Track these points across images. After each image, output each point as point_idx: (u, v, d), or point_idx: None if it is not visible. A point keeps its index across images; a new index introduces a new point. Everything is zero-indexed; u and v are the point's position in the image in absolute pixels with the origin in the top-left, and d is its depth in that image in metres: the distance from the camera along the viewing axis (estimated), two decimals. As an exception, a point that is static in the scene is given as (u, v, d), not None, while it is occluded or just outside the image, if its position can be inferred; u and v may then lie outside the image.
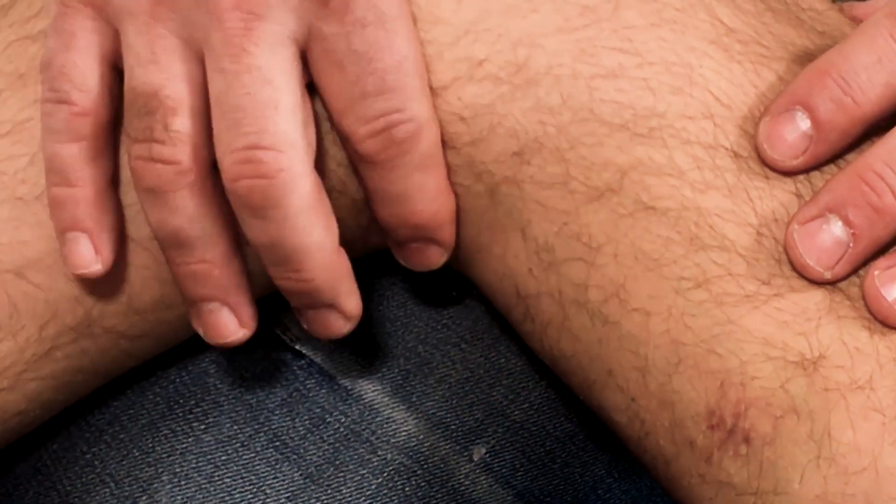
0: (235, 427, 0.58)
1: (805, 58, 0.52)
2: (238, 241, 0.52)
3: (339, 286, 0.52)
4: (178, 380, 0.58)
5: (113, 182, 0.53)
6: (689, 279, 0.49)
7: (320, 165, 0.52)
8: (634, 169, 0.51)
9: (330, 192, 0.53)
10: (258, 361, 0.59)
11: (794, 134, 0.50)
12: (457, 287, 0.60)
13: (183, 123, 0.50)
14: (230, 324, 0.53)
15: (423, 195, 0.52)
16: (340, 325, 0.53)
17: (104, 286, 0.54)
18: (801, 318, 0.48)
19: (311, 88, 0.52)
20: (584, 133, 0.51)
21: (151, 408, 0.58)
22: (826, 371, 0.47)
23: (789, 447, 0.47)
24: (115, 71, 0.52)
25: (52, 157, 0.51)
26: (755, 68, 0.52)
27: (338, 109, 0.51)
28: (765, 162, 0.50)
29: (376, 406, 0.59)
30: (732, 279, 0.49)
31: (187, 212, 0.50)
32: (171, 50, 0.50)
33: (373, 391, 0.59)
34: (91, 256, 0.52)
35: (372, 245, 0.57)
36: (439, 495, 0.58)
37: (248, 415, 0.58)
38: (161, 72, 0.50)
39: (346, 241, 0.54)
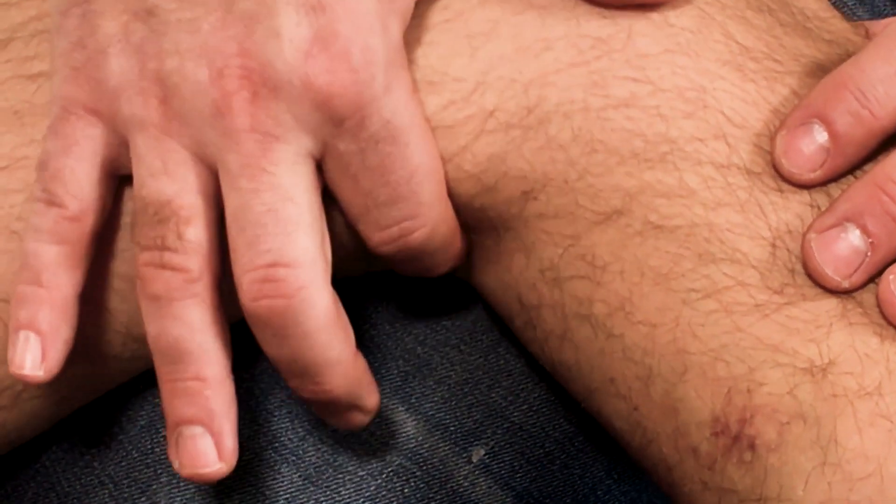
0: (234, 428, 0.58)
1: (816, 68, 0.52)
2: (231, 367, 0.52)
3: (359, 390, 0.52)
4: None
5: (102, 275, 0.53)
6: (698, 290, 0.49)
7: (329, 224, 0.52)
8: (643, 192, 0.51)
9: (334, 248, 0.53)
10: (257, 364, 0.59)
11: (811, 147, 0.50)
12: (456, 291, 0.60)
13: (196, 234, 0.49)
14: (209, 454, 0.51)
15: (442, 266, 0.54)
16: (360, 420, 0.53)
17: (102, 316, 0.54)
18: (812, 325, 0.48)
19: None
20: (593, 163, 0.51)
21: (150, 409, 0.58)
22: (834, 377, 0.47)
23: (794, 453, 0.47)
24: (111, 181, 0.52)
25: (30, 254, 0.51)
26: (769, 85, 0.51)
27: (353, 214, 0.52)
28: (782, 175, 0.50)
29: (375, 407, 0.59)
30: (743, 289, 0.49)
31: (190, 323, 0.50)
32: (182, 163, 0.50)
33: (372, 392, 0.59)
34: (36, 362, 0.50)
35: (373, 270, 0.58)
36: (438, 497, 0.58)
37: (246, 416, 0.58)
38: (174, 183, 0.50)
39: (344, 269, 0.55)
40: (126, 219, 0.53)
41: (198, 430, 0.50)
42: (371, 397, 0.53)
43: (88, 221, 0.51)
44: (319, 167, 0.51)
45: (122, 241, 0.53)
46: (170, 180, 0.50)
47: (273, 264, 0.48)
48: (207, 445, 0.50)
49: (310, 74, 0.48)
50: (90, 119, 0.51)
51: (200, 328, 0.50)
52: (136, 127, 0.50)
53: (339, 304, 0.51)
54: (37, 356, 0.50)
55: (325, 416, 0.53)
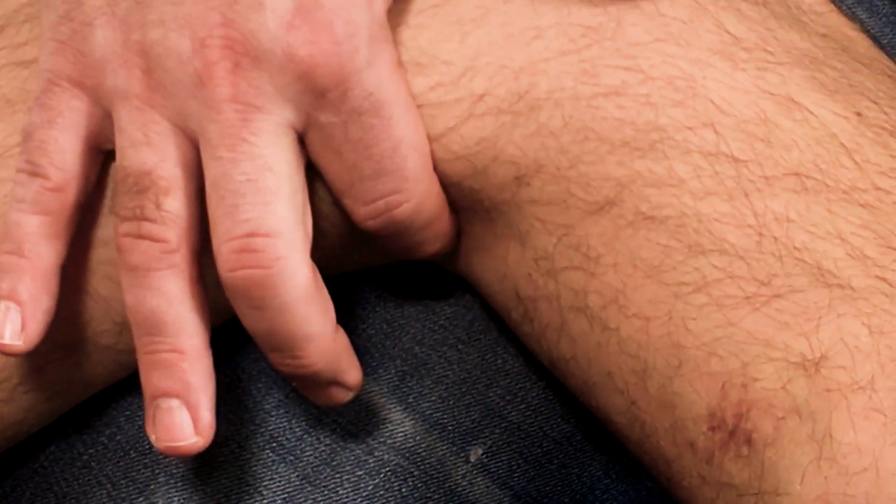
0: (232, 428, 0.58)
1: (809, 60, 0.52)
2: (209, 340, 0.51)
3: (339, 365, 0.52)
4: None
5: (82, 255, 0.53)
6: (688, 284, 0.49)
7: (314, 203, 0.53)
8: (634, 182, 0.51)
9: (320, 233, 0.53)
10: (255, 362, 0.59)
11: None
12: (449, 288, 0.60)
13: (175, 204, 0.50)
14: (185, 427, 0.50)
15: (430, 244, 0.54)
16: (342, 396, 0.53)
17: (97, 306, 0.54)
18: (802, 318, 0.48)
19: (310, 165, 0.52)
20: (584, 151, 0.51)
21: (148, 409, 0.58)
22: (827, 371, 0.47)
23: (791, 448, 0.47)
24: (96, 154, 0.52)
25: (12, 224, 0.51)
26: (760, 74, 0.52)
27: (338, 189, 0.52)
28: None
29: (373, 407, 0.59)
30: (733, 282, 0.49)
31: (167, 293, 0.50)
32: (164, 134, 0.50)
33: (369, 392, 0.59)
34: (16, 332, 0.50)
35: (368, 265, 0.58)
36: (436, 496, 0.58)
37: (244, 416, 0.58)
38: (155, 154, 0.50)
39: (338, 261, 0.55)
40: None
41: (174, 402, 0.50)
42: (352, 373, 0.53)
43: (71, 192, 0.51)
44: (303, 142, 0.51)
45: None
46: (151, 151, 0.50)
47: (251, 234, 0.49)
48: (184, 418, 0.50)
49: (292, 45, 0.48)
50: (75, 91, 0.51)
51: (178, 299, 0.50)
52: (119, 98, 0.50)
53: (319, 278, 0.51)
54: (17, 326, 0.50)
55: (305, 391, 0.53)
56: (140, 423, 0.58)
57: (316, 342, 0.50)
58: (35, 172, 0.51)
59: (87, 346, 0.54)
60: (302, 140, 0.51)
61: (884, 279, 0.48)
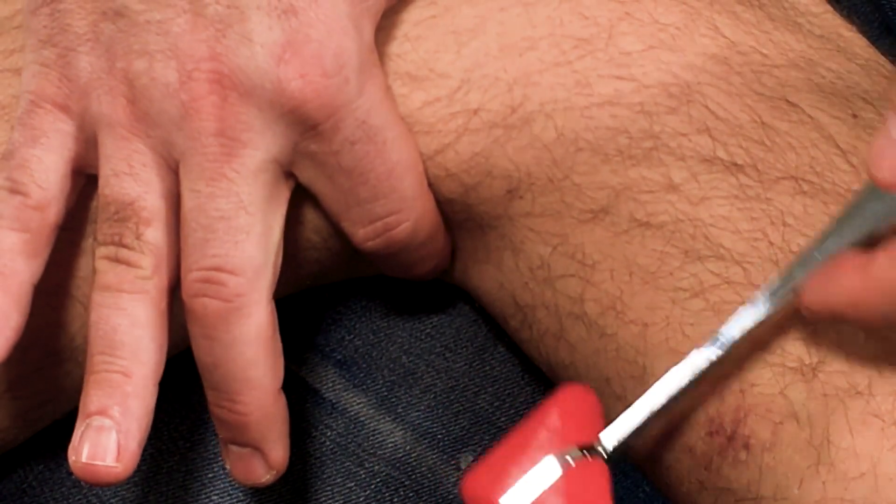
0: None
1: (804, 62, 0.52)
2: (159, 378, 0.50)
3: (270, 430, 0.51)
4: (161, 399, 0.57)
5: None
6: (685, 289, 0.49)
7: (306, 217, 0.53)
8: (629, 189, 0.51)
9: (312, 246, 0.54)
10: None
11: None
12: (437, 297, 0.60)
13: (154, 235, 0.50)
14: (110, 450, 0.49)
15: (427, 262, 0.54)
16: (261, 474, 0.52)
17: (87, 315, 0.53)
18: (799, 322, 0.48)
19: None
20: (577, 162, 0.52)
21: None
22: (825, 376, 0.47)
23: (789, 453, 0.47)
24: (78, 177, 0.52)
25: None
26: (756, 77, 0.52)
27: (334, 213, 0.52)
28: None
29: (362, 419, 0.58)
30: (729, 287, 0.49)
31: (133, 315, 0.49)
32: (148, 165, 0.50)
33: (358, 404, 0.59)
34: None
35: (356, 275, 0.58)
36: (428, 505, 0.58)
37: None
38: (138, 185, 0.50)
39: (327, 272, 0.55)
40: None
41: (107, 422, 0.49)
42: (279, 447, 0.52)
43: (52, 212, 0.50)
44: (290, 173, 0.51)
45: None
46: (134, 182, 0.50)
47: (217, 268, 0.49)
48: (111, 441, 0.49)
49: (282, 79, 0.49)
50: (59, 115, 0.51)
51: (142, 324, 0.50)
52: (104, 126, 0.50)
53: (277, 331, 0.51)
54: None
55: (228, 454, 0.52)
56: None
57: (256, 391, 0.50)
58: (15, 189, 0.50)
59: (76, 355, 0.54)
60: (288, 171, 0.51)
61: None
